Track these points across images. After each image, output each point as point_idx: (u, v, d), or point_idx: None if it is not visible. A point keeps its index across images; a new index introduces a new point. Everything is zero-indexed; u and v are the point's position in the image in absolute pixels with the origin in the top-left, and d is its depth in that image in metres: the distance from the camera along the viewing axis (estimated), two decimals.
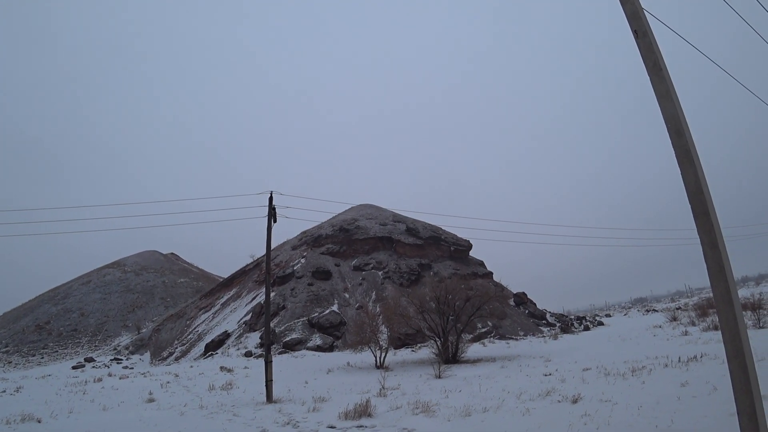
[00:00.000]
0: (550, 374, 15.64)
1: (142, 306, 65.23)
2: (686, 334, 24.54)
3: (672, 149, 5.34)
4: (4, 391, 21.87)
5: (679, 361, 14.28)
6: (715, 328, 23.22)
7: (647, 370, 13.43)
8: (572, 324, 47.00)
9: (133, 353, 50.62)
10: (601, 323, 50.40)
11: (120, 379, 25.65)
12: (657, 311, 57.75)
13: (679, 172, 5.28)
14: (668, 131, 5.38)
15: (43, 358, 51.68)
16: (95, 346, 55.03)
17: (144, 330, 56.52)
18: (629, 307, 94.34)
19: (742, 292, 46.98)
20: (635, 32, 5.74)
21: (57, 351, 53.64)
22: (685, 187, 5.25)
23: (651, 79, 5.55)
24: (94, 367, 41.26)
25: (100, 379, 25.18)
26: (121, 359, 46.53)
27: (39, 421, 12.54)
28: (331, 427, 9.84)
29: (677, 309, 48.08)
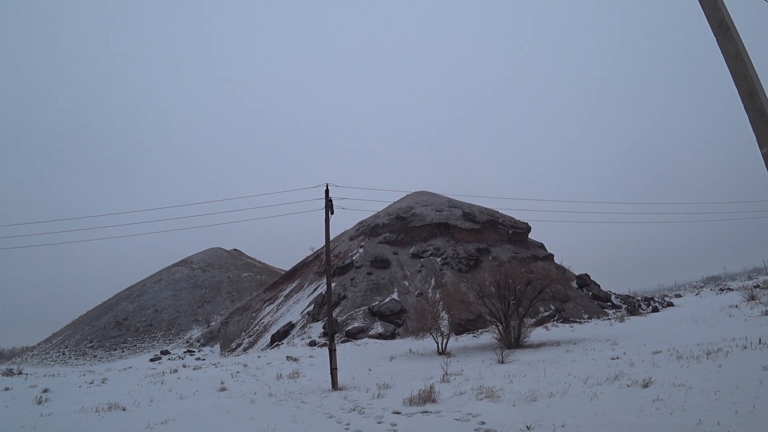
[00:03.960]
0: (617, 358, 15.09)
1: (210, 300, 68.29)
2: (767, 314, 22.95)
3: (745, 112, 4.96)
4: (92, 383, 23.59)
5: (760, 342, 13.33)
6: None
7: (724, 353, 12.63)
8: (639, 305, 45.09)
9: (204, 345, 53.17)
10: (670, 304, 48.02)
11: (194, 369, 27.01)
12: (732, 290, 54.23)
13: (755, 138, 4.90)
14: (739, 93, 4.98)
15: (123, 351, 55.23)
16: (169, 339, 58.20)
17: (213, 323, 59.18)
18: (701, 287, 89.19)
19: None
20: None
21: (135, 345, 57.16)
22: (762, 155, 4.87)
23: (717, 39, 5.15)
24: (169, 359, 43.69)
25: (175, 370, 26.64)
26: (194, 351, 48.97)
27: (124, 410, 13.46)
28: (397, 413, 9.92)
29: (755, 287, 44.98)
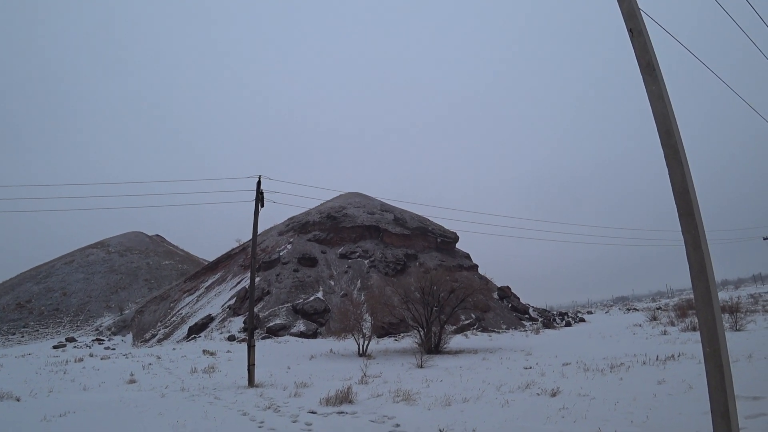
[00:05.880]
0: (530, 368, 15.84)
1: (126, 287, 64.71)
2: (665, 334, 24.95)
3: (661, 149, 5.39)
4: None
5: (657, 359, 14.52)
6: (694, 329, 23.64)
7: (625, 367, 13.65)
8: (554, 319, 47.56)
9: (115, 334, 50.29)
10: (582, 320, 51.08)
11: (101, 359, 25.47)
12: (638, 310, 58.54)
13: (667, 172, 5.34)
14: (658, 130, 5.42)
15: (23, 336, 51.13)
16: (77, 326, 54.56)
17: (127, 311, 56.12)
18: (611, 305, 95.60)
19: (721, 295, 47.91)
20: (630, 31, 5.75)
21: (38, 330, 53.10)
22: (671, 187, 5.31)
23: (644, 79, 5.58)
24: (75, 347, 40.93)
25: (81, 360, 24.98)
26: (103, 340, 46.19)
27: (18, 400, 12.41)
28: (312, 413, 9.87)
29: (657, 309, 48.78)
